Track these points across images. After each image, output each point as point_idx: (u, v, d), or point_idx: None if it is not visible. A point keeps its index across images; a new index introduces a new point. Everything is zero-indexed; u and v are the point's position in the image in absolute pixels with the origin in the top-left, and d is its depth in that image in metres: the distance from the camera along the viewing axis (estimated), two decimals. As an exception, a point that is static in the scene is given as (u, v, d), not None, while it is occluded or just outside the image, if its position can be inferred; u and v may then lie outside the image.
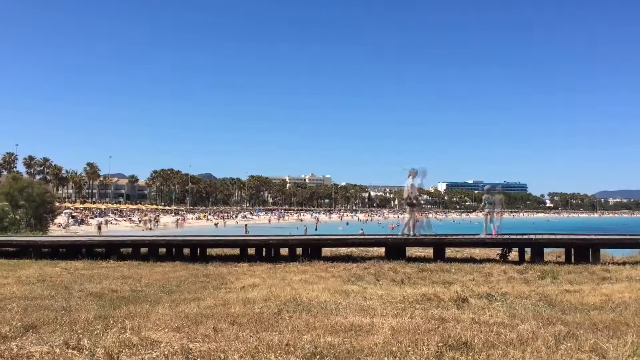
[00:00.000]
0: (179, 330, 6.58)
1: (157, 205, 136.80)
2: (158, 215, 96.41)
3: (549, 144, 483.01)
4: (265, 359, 5.24)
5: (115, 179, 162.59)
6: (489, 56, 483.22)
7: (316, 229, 72.42)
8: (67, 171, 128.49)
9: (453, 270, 14.04)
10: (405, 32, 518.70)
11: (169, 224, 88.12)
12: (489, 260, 16.53)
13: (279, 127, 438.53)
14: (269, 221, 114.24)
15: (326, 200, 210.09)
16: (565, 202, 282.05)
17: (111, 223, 77.62)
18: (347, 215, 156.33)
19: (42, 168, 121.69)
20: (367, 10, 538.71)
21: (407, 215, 18.10)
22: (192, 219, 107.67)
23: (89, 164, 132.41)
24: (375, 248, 19.14)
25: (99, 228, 59.88)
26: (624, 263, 15.61)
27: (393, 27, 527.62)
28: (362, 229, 60.10)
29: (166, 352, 5.47)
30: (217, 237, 26.87)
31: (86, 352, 5.50)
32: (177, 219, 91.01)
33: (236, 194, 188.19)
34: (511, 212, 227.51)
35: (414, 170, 17.32)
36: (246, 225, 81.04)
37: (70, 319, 7.38)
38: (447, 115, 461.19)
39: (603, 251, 16.79)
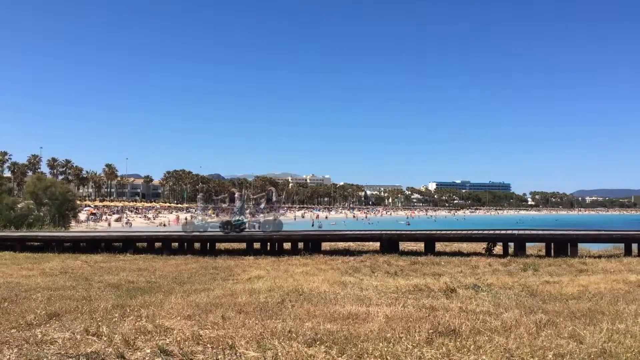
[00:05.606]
0: (190, 318, 6.57)
1: (170, 203, 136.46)
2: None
3: (531, 146, 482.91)
4: (269, 345, 5.23)
5: (132, 179, 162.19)
6: (479, 63, 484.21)
7: (312, 225, 72.56)
8: (87, 172, 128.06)
9: (442, 263, 14.05)
10: (404, 41, 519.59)
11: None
12: (475, 253, 16.54)
13: (282, 131, 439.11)
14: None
15: (325, 199, 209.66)
16: (545, 200, 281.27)
17: (127, 220, 77.42)
18: (343, 213, 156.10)
19: (64, 169, 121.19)
20: (367, 22, 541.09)
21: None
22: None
23: (107, 165, 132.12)
24: (371, 243, 19.17)
25: (121, 221, 59.78)
26: (599, 256, 15.63)
27: (392, 36, 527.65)
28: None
29: (178, 339, 5.47)
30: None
31: (105, 338, 5.50)
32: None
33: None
34: (496, 209, 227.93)
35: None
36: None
37: (90, 308, 7.38)
38: (438, 120, 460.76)
39: (580, 245, 16.81)
